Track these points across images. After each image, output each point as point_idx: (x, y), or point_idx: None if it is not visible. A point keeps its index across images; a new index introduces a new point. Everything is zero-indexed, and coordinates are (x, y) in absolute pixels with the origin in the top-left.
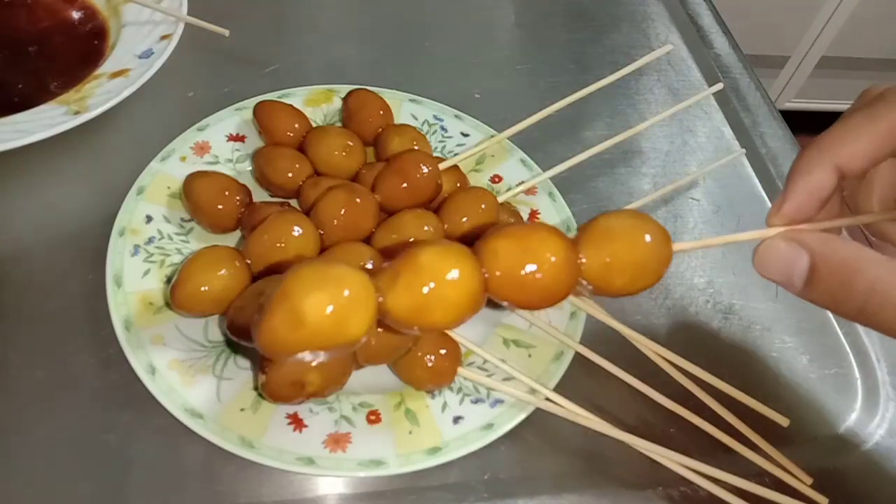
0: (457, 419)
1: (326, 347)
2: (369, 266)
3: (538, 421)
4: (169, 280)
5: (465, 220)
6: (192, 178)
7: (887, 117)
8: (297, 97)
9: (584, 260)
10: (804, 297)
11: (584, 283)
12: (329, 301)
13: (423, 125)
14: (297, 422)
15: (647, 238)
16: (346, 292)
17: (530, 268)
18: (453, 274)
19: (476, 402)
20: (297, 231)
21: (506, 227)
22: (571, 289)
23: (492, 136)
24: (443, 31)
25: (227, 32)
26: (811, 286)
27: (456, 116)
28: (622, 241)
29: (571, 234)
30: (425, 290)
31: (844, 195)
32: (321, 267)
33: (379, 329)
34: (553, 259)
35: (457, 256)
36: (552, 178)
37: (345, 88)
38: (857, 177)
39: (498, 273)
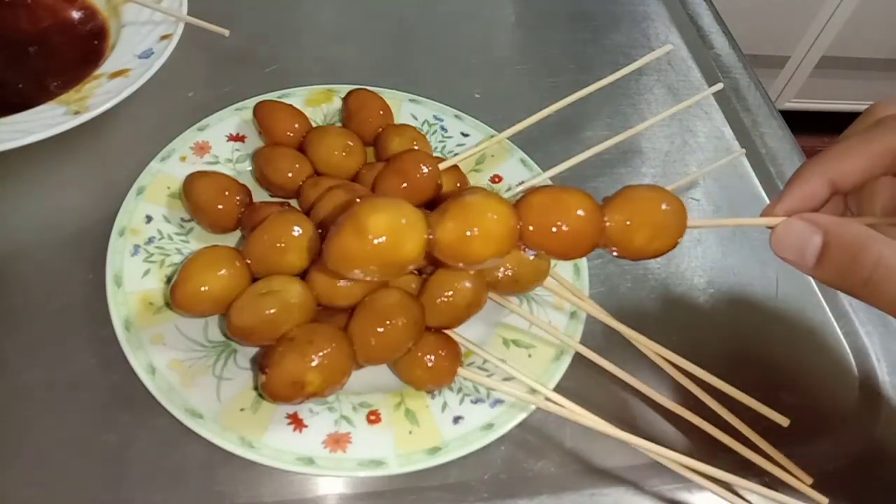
0: (457, 419)
1: (384, 264)
2: None
3: (538, 421)
4: (169, 280)
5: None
6: (192, 178)
7: (881, 141)
8: (297, 97)
9: (608, 222)
10: (814, 274)
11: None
12: (390, 221)
13: (423, 125)
14: (297, 422)
15: (664, 206)
16: (404, 219)
17: (559, 220)
18: (493, 213)
19: (476, 402)
20: (297, 231)
21: (543, 187)
22: (595, 243)
23: (492, 136)
24: (443, 31)
25: (227, 32)
26: (822, 262)
27: (456, 116)
28: (642, 205)
29: None
30: (469, 223)
31: (848, 203)
32: (385, 199)
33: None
34: (580, 213)
35: (497, 200)
36: (552, 178)
37: (345, 88)
38: (850, 191)
39: (531, 224)
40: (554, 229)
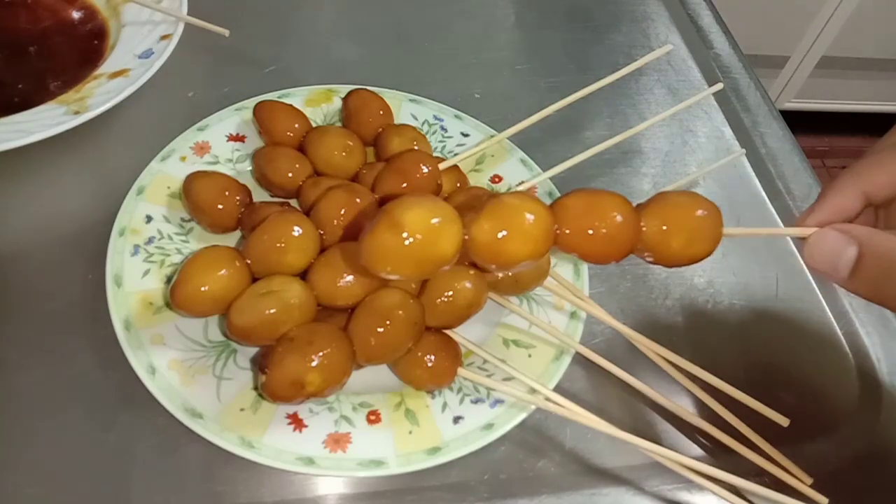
0: (457, 419)
1: (419, 262)
2: None
3: (538, 421)
4: (169, 280)
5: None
6: (192, 178)
7: None
8: (297, 97)
9: (644, 227)
10: (847, 286)
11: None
12: (426, 218)
13: (423, 125)
14: (297, 422)
15: (701, 212)
16: (440, 218)
17: (596, 223)
18: (530, 213)
19: (476, 402)
20: (297, 231)
21: (578, 190)
22: (631, 248)
23: (492, 136)
24: (443, 31)
25: (227, 32)
26: (856, 274)
27: (456, 116)
28: (679, 210)
29: None
30: (505, 223)
31: (878, 217)
32: (421, 196)
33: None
34: (618, 217)
35: (534, 201)
36: (552, 178)
37: (345, 88)
38: (882, 204)
39: (567, 227)
40: (591, 232)
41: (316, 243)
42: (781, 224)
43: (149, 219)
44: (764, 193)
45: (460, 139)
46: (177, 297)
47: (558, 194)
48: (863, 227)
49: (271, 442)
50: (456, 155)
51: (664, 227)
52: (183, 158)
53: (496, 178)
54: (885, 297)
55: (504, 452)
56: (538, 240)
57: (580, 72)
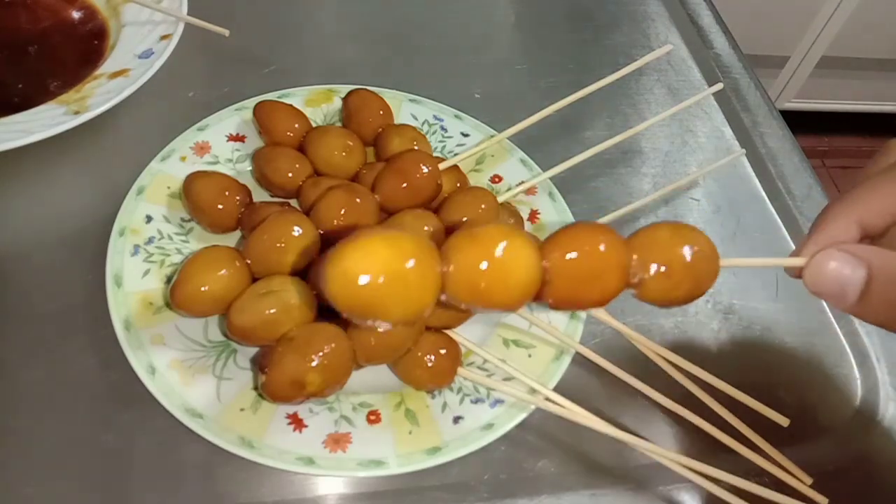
0: (457, 419)
1: (395, 303)
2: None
3: (538, 421)
4: (169, 280)
5: (465, 220)
6: (192, 178)
7: None
8: (297, 97)
9: (635, 268)
10: (856, 312)
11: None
12: (398, 260)
13: (423, 125)
14: (297, 422)
15: (696, 248)
16: (412, 261)
17: (585, 266)
18: (512, 250)
19: (476, 402)
20: (297, 231)
21: (567, 228)
22: (619, 290)
23: (492, 136)
24: (443, 31)
25: (227, 32)
26: (866, 299)
27: (456, 116)
28: (672, 247)
29: None
30: (485, 263)
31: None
32: (386, 230)
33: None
34: (606, 257)
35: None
36: (552, 178)
37: (345, 88)
38: (879, 233)
39: (552, 266)
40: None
41: (316, 243)
42: (781, 224)
43: (149, 219)
44: (764, 193)
45: (460, 139)
46: (177, 297)
47: (558, 194)
48: (869, 247)
49: (271, 442)
50: (456, 155)
51: (662, 269)
52: (183, 158)
53: (496, 178)
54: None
55: (504, 452)
56: (521, 285)
57: (580, 72)
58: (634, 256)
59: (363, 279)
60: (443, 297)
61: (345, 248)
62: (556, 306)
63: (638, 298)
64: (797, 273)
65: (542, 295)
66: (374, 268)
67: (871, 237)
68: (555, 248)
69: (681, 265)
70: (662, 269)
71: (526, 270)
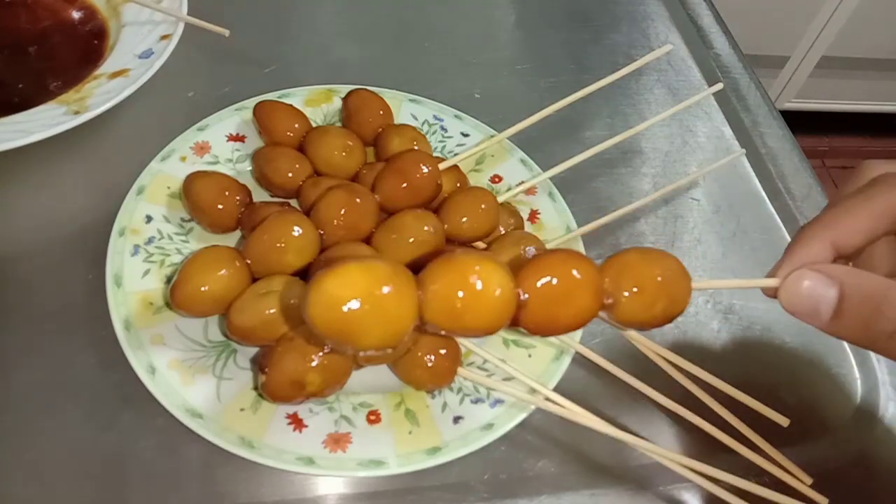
0: (457, 419)
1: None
2: None
3: (538, 421)
4: (169, 280)
5: (464, 220)
6: (192, 178)
7: (881, 199)
8: (297, 97)
9: (607, 280)
10: (830, 330)
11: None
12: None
13: (423, 125)
14: (297, 422)
15: (667, 269)
16: (389, 287)
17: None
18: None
19: (476, 402)
20: (297, 231)
21: (540, 255)
22: (594, 313)
23: (492, 136)
24: (443, 31)
25: (227, 32)
26: (840, 317)
27: (456, 116)
28: (643, 269)
29: (572, 232)
30: (460, 289)
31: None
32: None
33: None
34: (579, 280)
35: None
36: (552, 178)
37: (345, 88)
38: (852, 254)
39: (527, 290)
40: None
41: (316, 243)
42: (781, 224)
43: (149, 219)
44: (764, 193)
45: (460, 139)
46: (177, 297)
47: (558, 194)
48: (841, 267)
49: (271, 442)
50: (456, 155)
51: (634, 290)
52: (183, 158)
53: (496, 178)
54: (874, 338)
55: (504, 452)
56: (495, 312)
57: (580, 72)
58: (607, 280)
59: (342, 303)
60: (422, 324)
61: (325, 275)
62: (533, 331)
63: (614, 322)
64: (773, 293)
65: (518, 320)
66: (352, 293)
67: (845, 258)
68: (529, 274)
69: (653, 285)
70: (635, 289)
71: (501, 294)
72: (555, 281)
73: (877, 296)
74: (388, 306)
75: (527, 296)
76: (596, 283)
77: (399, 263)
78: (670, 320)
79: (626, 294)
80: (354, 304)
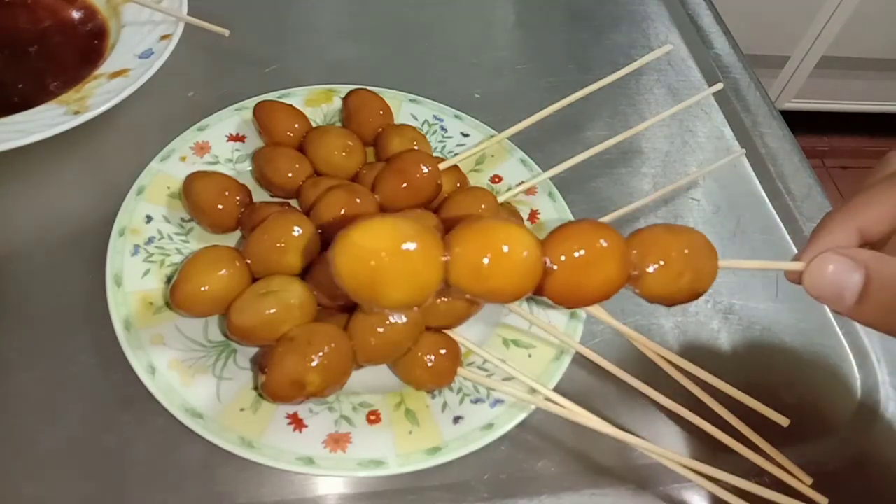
0: (457, 419)
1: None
2: None
3: (538, 421)
4: (169, 280)
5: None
6: (192, 178)
7: None
8: (297, 97)
9: (634, 252)
10: (854, 315)
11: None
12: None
13: (423, 125)
14: (297, 422)
15: (694, 243)
16: (416, 243)
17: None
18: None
19: (476, 402)
20: (297, 231)
21: (568, 223)
22: (620, 284)
23: (492, 136)
24: (443, 31)
25: (227, 32)
26: (864, 301)
27: (456, 116)
28: (671, 242)
29: None
30: (486, 251)
31: None
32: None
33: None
34: (606, 249)
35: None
36: (552, 178)
37: (345, 88)
38: (878, 242)
39: (554, 258)
40: (581, 266)
41: (316, 243)
42: (781, 224)
43: (149, 219)
44: (764, 193)
45: (460, 139)
46: (177, 297)
47: (558, 194)
48: (867, 251)
49: (271, 442)
50: (456, 155)
51: (661, 263)
52: (183, 158)
53: (496, 178)
54: (894, 328)
55: (504, 452)
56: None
57: (580, 72)
58: (634, 252)
59: (369, 255)
60: (447, 286)
61: (353, 227)
62: (558, 300)
63: (640, 295)
64: (797, 277)
65: (543, 288)
66: (380, 244)
67: (870, 245)
68: (556, 242)
69: (680, 258)
70: (661, 262)
71: (527, 258)
72: (582, 250)
73: None
74: (415, 262)
75: (554, 265)
76: (623, 253)
77: (426, 224)
78: (696, 296)
79: (653, 267)
80: (381, 257)
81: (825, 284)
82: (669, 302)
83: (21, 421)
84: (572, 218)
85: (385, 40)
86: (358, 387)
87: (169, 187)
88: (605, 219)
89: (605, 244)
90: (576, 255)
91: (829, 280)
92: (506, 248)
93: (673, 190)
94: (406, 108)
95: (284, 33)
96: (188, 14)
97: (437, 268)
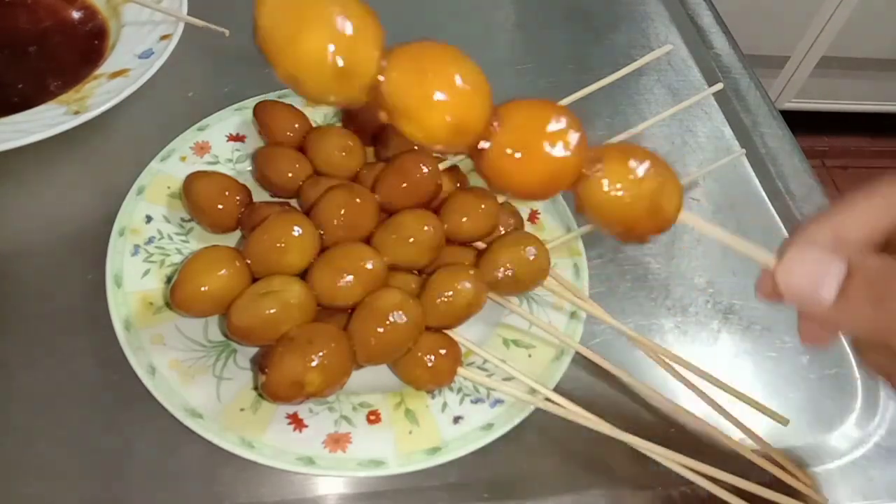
0: (457, 419)
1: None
2: (369, 266)
3: (538, 421)
4: (169, 280)
5: (464, 220)
6: (192, 178)
7: (883, 192)
8: (297, 97)
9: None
10: (833, 317)
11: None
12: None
13: None
14: (297, 422)
15: (660, 174)
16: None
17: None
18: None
19: (476, 402)
20: (297, 231)
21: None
22: (567, 178)
23: None
24: (442, 31)
25: (227, 32)
26: (845, 297)
27: None
28: (633, 154)
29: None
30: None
31: None
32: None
33: None
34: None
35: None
36: None
37: None
38: (856, 247)
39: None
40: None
41: (316, 243)
42: (781, 224)
43: (149, 219)
44: (764, 193)
45: None
46: (177, 297)
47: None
48: (849, 247)
49: (271, 442)
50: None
51: (619, 175)
52: (183, 158)
53: None
54: (885, 322)
55: (504, 452)
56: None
57: (580, 72)
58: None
59: None
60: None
61: None
62: (490, 177)
63: (588, 207)
64: (768, 290)
65: (480, 157)
66: None
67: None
68: (511, 111)
69: (637, 180)
70: (620, 177)
71: (471, 100)
72: (535, 123)
73: (888, 274)
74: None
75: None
76: (580, 148)
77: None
78: (645, 237)
79: (608, 177)
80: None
81: (800, 278)
82: (623, 225)
83: (21, 421)
84: (572, 218)
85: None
86: (358, 387)
87: (169, 187)
88: None
89: (561, 126)
90: (528, 124)
91: (805, 271)
92: (458, 80)
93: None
94: None
95: None
96: (188, 14)
97: (371, 58)
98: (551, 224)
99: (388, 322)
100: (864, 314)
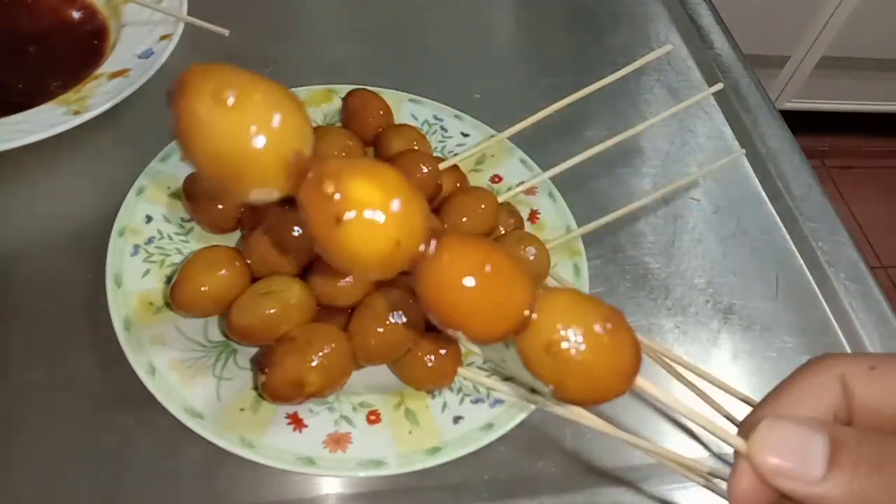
0: (457, 419)
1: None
2: None
3: (538, 421)
4: (169, 280)
5: (464, 220)
6: (192, 178)
7: (814, 369)
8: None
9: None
10: (826, 489)
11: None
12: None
13: (423, 125)
14: (297, 422)
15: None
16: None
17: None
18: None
19: (476, 402)
20: (297, 231)
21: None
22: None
23: (492, 136)
24: (443, 31)
25: (227, 32)
26: (837, 466)
27: (456, 116)
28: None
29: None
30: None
31: None
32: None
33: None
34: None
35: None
36: (552, 178)
37: (345, 88)
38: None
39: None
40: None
41: None
42: (781, 224)
43: (149, 219)
44: (764, 193)
45: (460, 139)
46: (177, 297)
47: (558, 194)
48: (815, 417)
49: (271, 442)
50: (456, 155)
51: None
52: (183, 158)
53: (496, 178)
54: (881, 494)
55: (504, 452)
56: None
57: (580, 72)
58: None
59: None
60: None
61: None
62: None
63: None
64: (740, 482)
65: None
66: None
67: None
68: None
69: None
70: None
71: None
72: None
73: (879, 434)
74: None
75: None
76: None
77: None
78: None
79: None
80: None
81: (782, 445)
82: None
83: (21, 421)
84: (572, 218)
85: (385, 40)
86: (358, 387)
87: (169, 187)
88: (605, 219)
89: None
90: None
91: (787, 439)
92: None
93: (673, 190)
94: (406, 108)
95: (284, 33)
96: (188, 14)
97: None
98: (551, 224)
99: (388, 322)
100: (864, 482)
